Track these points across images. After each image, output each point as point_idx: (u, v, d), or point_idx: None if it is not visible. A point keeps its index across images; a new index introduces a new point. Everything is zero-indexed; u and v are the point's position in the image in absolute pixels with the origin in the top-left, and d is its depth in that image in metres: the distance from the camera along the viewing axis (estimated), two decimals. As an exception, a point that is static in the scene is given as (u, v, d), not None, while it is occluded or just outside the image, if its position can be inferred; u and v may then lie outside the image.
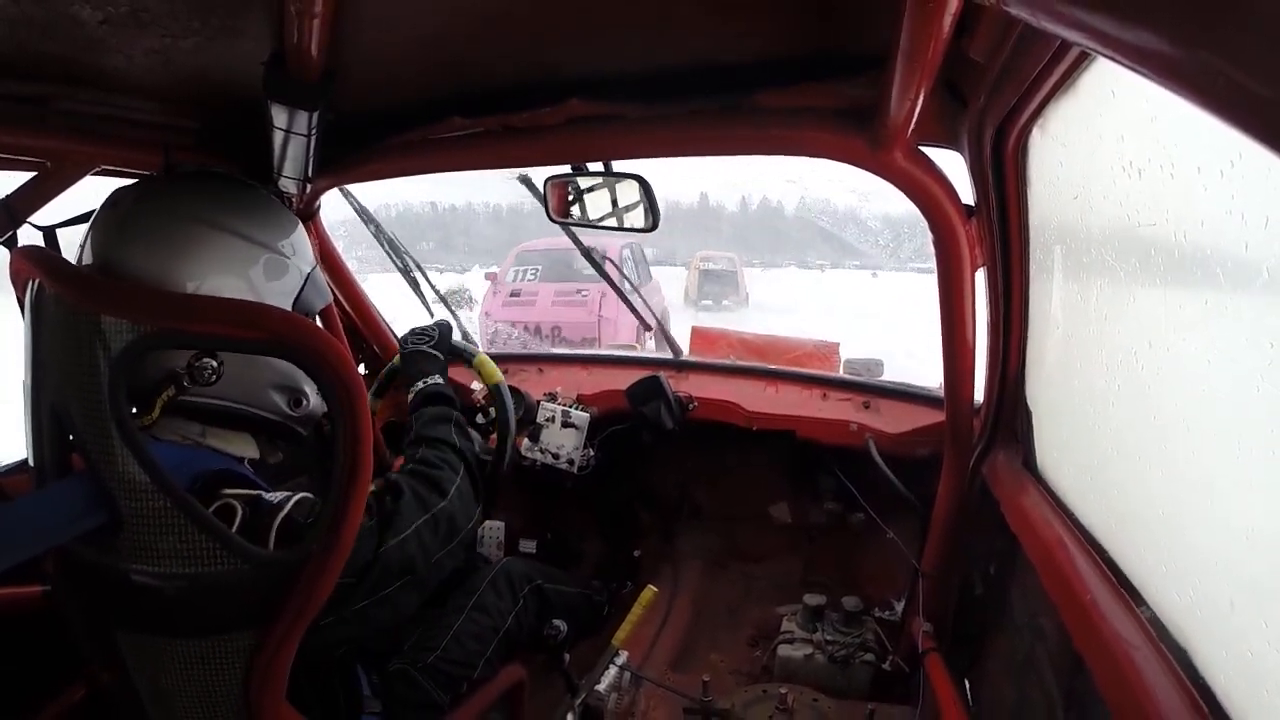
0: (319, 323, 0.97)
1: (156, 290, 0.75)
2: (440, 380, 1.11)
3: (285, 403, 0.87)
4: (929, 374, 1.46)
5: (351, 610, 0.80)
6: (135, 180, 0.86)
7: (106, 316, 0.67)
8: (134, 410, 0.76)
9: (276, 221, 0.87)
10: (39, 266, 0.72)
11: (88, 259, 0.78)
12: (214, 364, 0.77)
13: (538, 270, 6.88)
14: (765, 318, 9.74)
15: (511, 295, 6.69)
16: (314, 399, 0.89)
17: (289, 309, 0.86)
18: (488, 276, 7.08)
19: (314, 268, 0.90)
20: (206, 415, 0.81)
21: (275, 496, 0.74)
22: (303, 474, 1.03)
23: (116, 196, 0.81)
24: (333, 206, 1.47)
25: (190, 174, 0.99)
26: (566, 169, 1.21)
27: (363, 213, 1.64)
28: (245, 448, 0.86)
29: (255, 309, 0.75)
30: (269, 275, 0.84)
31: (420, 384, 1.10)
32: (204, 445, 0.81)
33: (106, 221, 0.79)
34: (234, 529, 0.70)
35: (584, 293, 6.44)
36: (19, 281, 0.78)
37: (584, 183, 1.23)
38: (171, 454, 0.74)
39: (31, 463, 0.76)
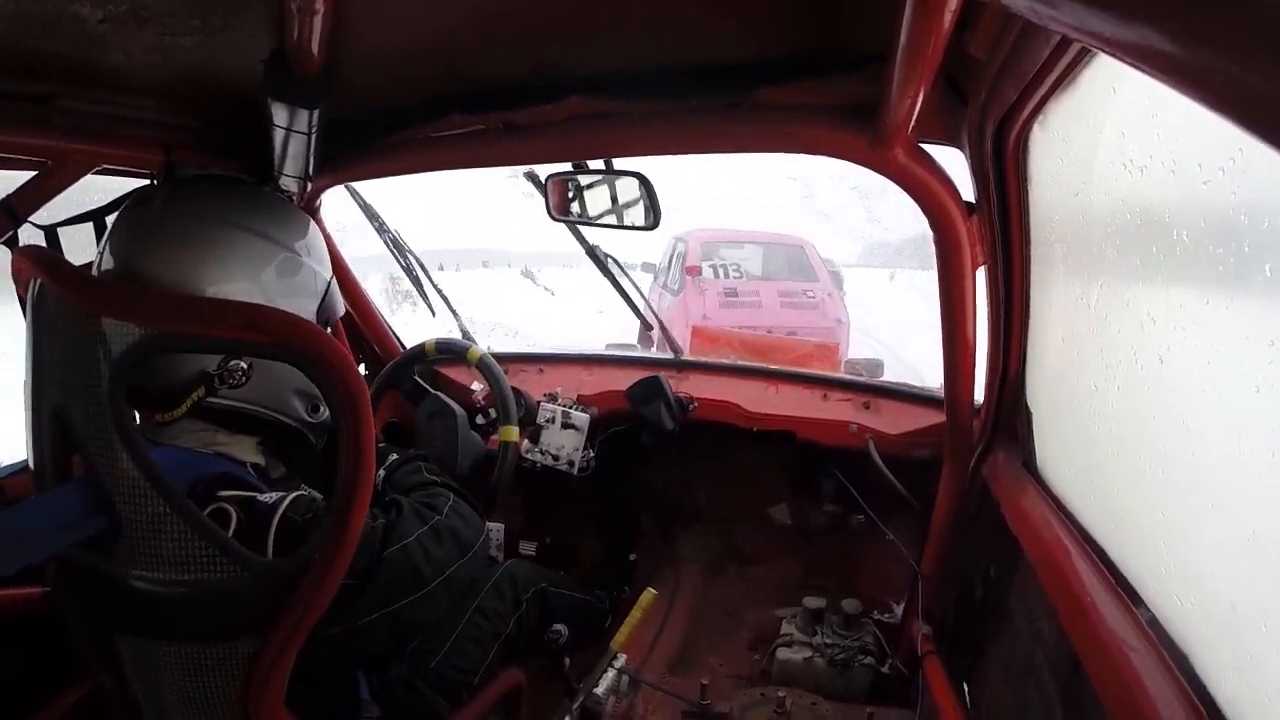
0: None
1: (157, 292, 0.75)
2: (395, 455, 1.11)
3: (304, 409, 0.88)
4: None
5: (362, 622, 0.79)
6: (137, 181, 0.87)
7: (107, 318, 0.67)
8: (159, 406, 0.77)
9: (294, 223, 0.88)
10: (40, 267, 0.72)
11: (107, 264, 0.79)
12: (244, 366, 0.78)
13: (738, 266, 5.58)
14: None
15: (728, 295, 5.35)
16: None
17: (314, 315, 0.87)
18: (689, 271, 5.53)
19: (331, 278, 0.92)
20: (223, 418, 0.82)
21: (269, 497, 0.74)
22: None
23: (134, 203, 0.82)
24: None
25: (207, 178, 1.00)
26: (567, 166, 1.21)
27: (367, 210, 1.62)
28: (249, 453, 0.86)
29: (256, 311, 0.75)
30: (300, 281, 0.85)
31: (382, 471, 1.08)
32: (211, 448, 0.81)
33: (128, 226, 0.80)
34: (230, 533, 0.70)
35: (810, 294, 5.48)
36: (20, 281, 0.78)
37: (584, 180, 1.23)
38: (173, 457, 0.75)
39: (32, 465, 0.75)
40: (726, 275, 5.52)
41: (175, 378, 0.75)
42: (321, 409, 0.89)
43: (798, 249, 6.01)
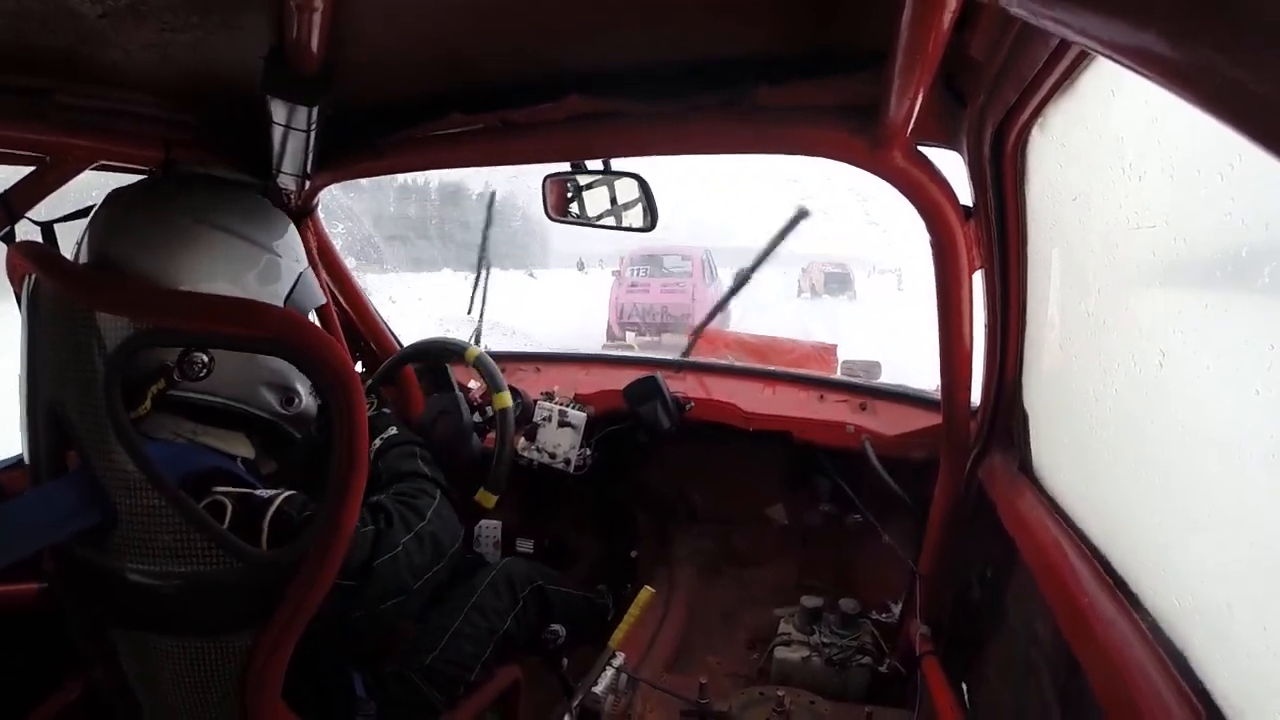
0: (316, 321, 0.98)
1: (153, 287, 0.75)
2: (395, 430, 1.11)
3: (277, 401, 0.86)
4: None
5: (350, 618, 0.80)
6: (134, 177, 0.87)
7: (102, 313, 0.67)
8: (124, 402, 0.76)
9: (271, 222, 0.88)
10: (35, 262, 0.72)
11: (84, 257, 0.79)
12: (204, 359, 0.78)
13: (647, 269, 9.65)
14: (870, 308, 12.81)
15: (632, 286, 9.46)
16: (306, 399, 0.89)
17: (281, 303, 0.86)
18: (616, 273, 10.04)
19: (305, 268, 0.91)
20: (199, 413, 0.81)
21: (265, 493, 0.74)
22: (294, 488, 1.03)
23: (115, 195, 0.82)
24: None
25: (187, 176, 1.00)
26: (566, 166, 1.21)
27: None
28: (240, 447, 0.86)
29: (252, 307, 0.75)
30: (263, 275, 0.84)
31: (378, 441, 1.09)
32: (198, 443, 0.81)
33: (105, 219, 0.80)
34: (224, 525, 0.70)
35: (680, 285, 9.26)
36: (15, 277, 0.78)
37: (582, 180, 1.23)
38: (164, 451, 0.74)
39: (27, 459, 0.75)
40: (636, 274, 9.60)
41: (134, 371, 0.74)
42: (295, 401, 0.88)
43: (689, 258, 9.61)
